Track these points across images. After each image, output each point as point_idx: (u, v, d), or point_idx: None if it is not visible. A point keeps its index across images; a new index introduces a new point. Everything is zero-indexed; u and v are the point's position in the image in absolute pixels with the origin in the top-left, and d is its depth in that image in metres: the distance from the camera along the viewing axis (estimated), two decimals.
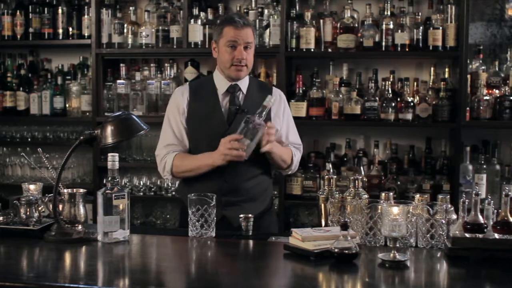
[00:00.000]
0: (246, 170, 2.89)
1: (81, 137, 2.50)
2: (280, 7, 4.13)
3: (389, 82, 4.11)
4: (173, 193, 4.33)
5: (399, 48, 4.01)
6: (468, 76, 4.00)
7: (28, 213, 2.54)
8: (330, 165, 4.10)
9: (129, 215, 2.46)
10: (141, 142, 4.41)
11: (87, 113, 4.47)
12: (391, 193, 2.48)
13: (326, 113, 4.15)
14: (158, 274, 2.16)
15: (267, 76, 4.31)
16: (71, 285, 1.95)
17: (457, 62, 4.00)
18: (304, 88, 4.18)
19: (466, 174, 3.95)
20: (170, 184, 4.34)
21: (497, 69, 4.07)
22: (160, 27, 4.30)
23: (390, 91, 4.06)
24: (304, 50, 4.11)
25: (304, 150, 4.27)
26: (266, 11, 4.21)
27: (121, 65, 4.43)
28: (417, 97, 4.10)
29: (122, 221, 2.41)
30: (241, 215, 2.63)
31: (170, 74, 4.40)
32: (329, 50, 4.13)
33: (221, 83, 2.94)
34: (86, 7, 4.45)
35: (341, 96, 4.13)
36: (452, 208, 2.39)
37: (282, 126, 3.00)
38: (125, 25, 4.38)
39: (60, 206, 2.50)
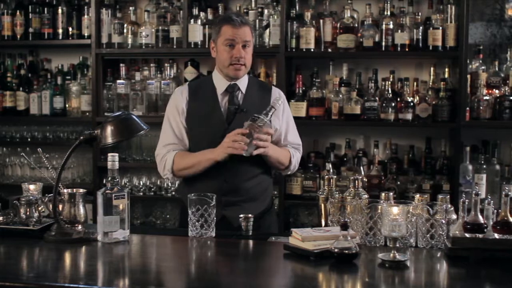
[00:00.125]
0: (246, 170, 2.89)
1: (81, 137, 2.50)
2: (280, 7, 4.13)
3: (389, 82, 4.11)
4: (173, 193, 4.33)
5: (399, 48, 4.01)
6: (468, 76, 4.00)
7: (28, 213, 2.54)
8: (330, 165, 4.10)
9: (129, 215, 2.46)
10: (141, 142, 4.41)
11: (87, 113, 4.47)
12: (391, 193, 2.48)
13: (326, 113, 4.15)
14: (158, 274, 2.16)
15: (267, 76, 4.31)
16: (71, 285, 1.95)
17: (457, 62, 4.00)
18: (304, 88, 4.18)
19: (466, 174, 3.95)
20: (170, 184, 4.34)
21: (497, 69, 4.07)
22: (160, 27, 4.30)
23: (390, 91, 4.07)
24: (304, 50, 4.11)
25: (304, 150, 4.28)
26: (266, 11, 4.21)
27: (121, 65, 4.43)
28: (417, 97, 4.10)
29: (122, 221, 2.41)
30: (241, 215, 2.63)
31: (170, 74, 4.40)
32: (329, 50, 4.13)
33: (220, 83, 2.94)
34: (86, 7, 4.45)
35: (341, 96, 4.13)
36: (452, 208, 2.39)
37: (281, 126, 3.00)
38: (125, 25, 4.38)
39: (60, 206, 2.50)
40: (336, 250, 2.16)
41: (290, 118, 3.08)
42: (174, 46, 4.29)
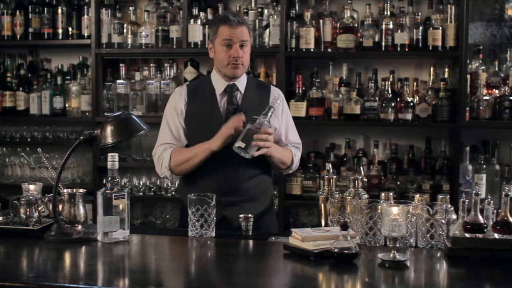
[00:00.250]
0: (246, 170, 2.88)
1: (81, 137, 2.50)
2: (279, 7, 4.13)
3: (389, 82, 4.12)
4: (173, 193, 4.33)
5: (398, 48, 4.01)
6: (468, 76, 4.00)
7: (28, 213, 2.54)
8: (330, 165, 4.10)
9: (129, 215, 2.46)
10: (140, 142, 4.41)
11: (87, 113, 4.46)
12: (391, 193, 2.48)
13: (326, 113, 4.15)
14: (158, 274, 2.16)
15: (267, 76, 4.31)
16: (71, 285, 1.95)
17: (456, 62, 4.01)
18: (303, 88, 4.18)
19: (465, 174, 3.95)
20: (169, 184, 4.34)
21: (496, 69, 4.07)
22: (160, 27, 4.30)
23: (389, 91, 4.07)
24: (304, 50, 4.11)
25: (304, 150, 4.28)
26: (265, 11, 4.21)
27: (121, 65, 4.43)
28: (417, 97, 4.10)
29: (122, 221, 2.41)
30: (241, 215, 2.63)
31: (169, 74, 4.40)
32: (329, 50, 4.13)
33: (218, 83, 2.94)
34: (85, 7, 4.45)
35: (340, 96, 4.13)
36: (452, 208, 2.39)
37: (281, 125, 2.99)
38: (125, 25, 4.38)
39: (60, 206, 2.50)
40: (336, 250, 2.16)
41: (290, 117, 3.08)
42: (174, 46, 4.29)
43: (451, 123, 4.01)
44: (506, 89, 4.00)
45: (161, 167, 2.93)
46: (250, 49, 2.95)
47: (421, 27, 4.04)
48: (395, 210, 2.21)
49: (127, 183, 4.36)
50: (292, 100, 4.11)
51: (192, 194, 2.52)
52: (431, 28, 3.99)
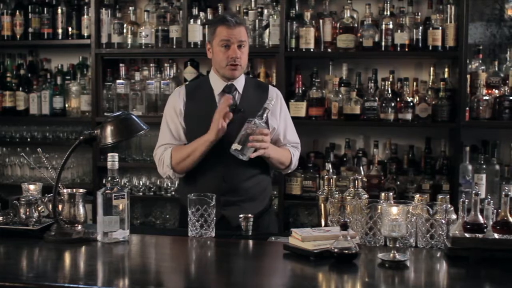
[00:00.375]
0: (245, 170, 2.88)
1: (81, 137, 2.50)
2: (279, 7, 4.13)
3: (389, 82, 4.12)
4: (173, 193, 4.33)
5: (398, 48, 4.01)
6: (468, 76, 4.00)
7: (27, 213, 2.54)
8: (330, 165, 4.10)
9: (129, 215, 2.46)
10: (140, 142, 4.41)
11: (87, 113, 4.46)
12: (391, 193, 2.48)
13: (326, 113, 4.15)
14: (157, 274, 2.16)
15: (267, 76, 4.31)
16: (71, 285, 1.95)
17: (456, 62, 4.01)
18: (303, 88, 4.18)
19: (465, 174, 3.95)
20: (169, 184, 4.34)
21: (496, 69, 4.07)
22: (160, 27, 4.30)
23: (389, 91, 4.07)
24: (304, 50, 4.11)
25: (304, 150, 4.29)
26: (265, 11, 4.21)
27: (121, 65, 4.43)
28: (417, 97, 4.10)
29: (122, 221, 2.41)
30: (241, 215, 2.64)
31: (169, 74, 4.40)
32: (329, 50, 4.13)
33: (217, 84, 2.94)
34: (85, 7, 4.45)
35: (340, 96, 4.13)
36: (452, 208, 2.39)
37: (279, 125, 3.00)
38: (125, 25, 4.38)
39: (60, 206, 2.50)
40: (336, 250, 2.16)
41: (288, 117, 3.08)
42: (174, 46, 4.29)
43: (451, 123, 4.01)
44: (506, 89, 4.00)
45: (162, 166, 2.94)
46: (248, 49, 2.96)
47: (421, 27, 4.04)
48: (395, 210, 2.21)
49: (127, 183, 4.36)
50: (292, 100, 4.11)
51: (192, 194, 2.52)
52: (431, 28, 3.99)
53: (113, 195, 2.39)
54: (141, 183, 4.40)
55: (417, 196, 2.46)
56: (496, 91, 4.03)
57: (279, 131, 2.99)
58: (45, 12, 4.53)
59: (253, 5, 4.26)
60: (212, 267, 2.27)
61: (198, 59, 4.38)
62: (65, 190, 2.50)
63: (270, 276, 2.12)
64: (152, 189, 4.41)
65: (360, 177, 2.56)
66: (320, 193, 2.60)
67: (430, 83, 4.15)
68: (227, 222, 2.82)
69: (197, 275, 2.17)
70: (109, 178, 2.43)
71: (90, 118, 4.41)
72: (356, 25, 4.14)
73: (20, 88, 4.60)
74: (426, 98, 4.06)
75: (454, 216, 2.37)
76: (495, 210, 2.28)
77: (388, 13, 4.08)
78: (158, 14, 4.35)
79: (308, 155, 4.25)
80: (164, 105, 3.08)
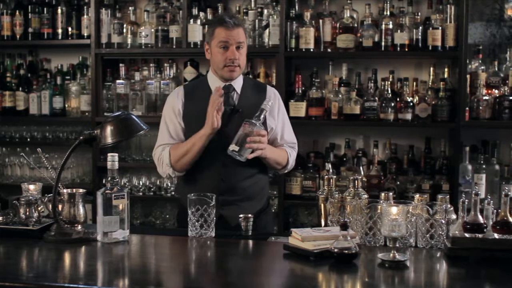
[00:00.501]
0: (243, 169, 2.90)
1: (81, 137, 2.50)
2: (279, 7, 4.13)
3: (389, 82, 4.12)
4: (173, 193, 4.33)
5: (398, 48, 4.01)
6: (468, 76, 4.00)
7: (27, 213, 2.54)
8: (330, 165, 4.10)
9: (129, 215, 2.46)
10: (140, 142, 4.41)
11: (87, 113, 4.46)
12: (391, 193, 2.48)
13: (326, 113, 4.15)
14: (157, 274, 2.16)
15: (267, 76, 4.30)
16: (71, 285, 1.95)
17: (456, 62, 4.01)
18: (303, 88, 4.18)
19: (465, 174, 3.95)
20: (169, 184, 4.34)
21: (496, 69, 4.07)
22: (160, 27, 4.30)
23: (389, 91, 4.07)
24: (304, 50, 4.11)
25: (304, 150, 4.30)
26: (265, 11, 4.21)
27: (121, 65, 4.43)
28: (417, 97, 4.10)
29: (122, 221, 2.42)
30: (241, 215, 2.64)
31: (169, 74, 4.40)
32: (329, 50, 4.13)
33: (215, 84, 2.95)
34: (85, 7, 4.45)
35: (340, 96, 4.13)
36: (452, 208, 2.39)
37: (277, 125, 3.01)
38: (125, 25, 4.38)
39: (60, 206, 2.50)
40: (335, 250, 2.16)
41: (286, 117, 3.09)
42: (174, 46, 4.29)
43: (451, 123, 4.01)
44: (506, 89, 4.00)
45: (162, 166, 2.94)
46: (247, 49, 2.97)
47: (420, 27, 4.04)
48: (394, 210, 2.21)
49: (127, 183, 4.36)
50: (292, 100, 4.11)
51: (192, 194, 2.52)
52: (430, 28, 3.99)
53: (113, 195, 2.39)
54: (141, 183, 4.40)
55: (417, 196, 2.46)
56: (496, 91, 4.03)
57: (276, 131, 3.01)
58: (45, 12, 4.53)
59: (253, 5, 4.26)
60: (212, 267, 2.27)
61: (198, 59, 4.38)
62: (65, 190, 2.50)
63: (270, 276, 2.12)
64: (152, 189, 4.41)
65: (360, 177, 2.56)
66: (320, 193, 2.60)
67: (430, 83, 4.15)
68: (225, 222, 2.83)
69: (197, 275, 2.17)
70: (109, 178, 2.43)
71: (90, 118, 4.41)
72: (356, 25, 4.14)
73: (20, 88, 4.60)
74: (426, 98, 4.06)
75: (454, 216, 2.37)
76: (495, 210, 2.28)
77: (388, 13, 4.08)
78: (158, 14, 4.35)
79: (308, 155, 4.25)
80: (164, 105, 3.09)
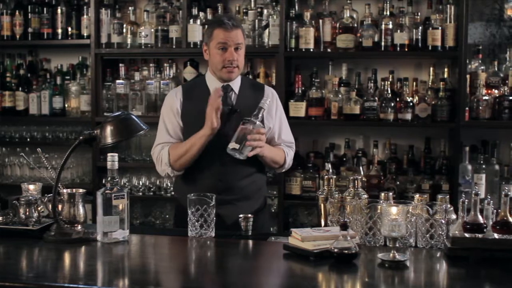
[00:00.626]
0: (240, 168, 2.91)
1: (81, 137, 2.50)
2: (279, 7, 4.13)
3: (388, 82, 4.12)
4: (172, 193, 4.32)
5: (398, 48, 4.01)
6: (467, 76, 4.00)
7: (27, 213, 2.53)
8: (330, 165, 4.10)
9: (129, 215, 2.46)
10: (140, 142, 4.41)
11: (86, 113, 4.46)
12: (391, 193, 2.48)
13: (325, 113, 4.15)
14: (157, 274, 2.16)
15: (266, 76, 4.30)
16: (71, 285, 1.95)
17: (456, 62, 4.01)
18: (303, 88, 4.18)
19: (465, 174, 3.95)
20: (169, 184, 4.33)
21: (496, 69, 4.07)
22: (159, 27, 4.30)
23: (389, 91, 4.07)
24: (303, 50, 4.11)
25: (303, 150, 4.31)
26: (265, 11, 4.21)
27: (120, 65, 4.43)
28: (416, 97, 4.10)
29: (122, 221, 2.42)
30: (241, 215, 2.64)
31: (169, 74, 4.40)
32: (328, 50, 4.13)
33: (213, 84, 2.97)
34: (85, 7, 4.45)
35: (340, 96, 4.13)
36: (452, 208, 2.39)
37: (274, 124, 3.03)
38: (124, 25, 4.38)
39: (60, 206, 2.50)
40: (335, 250, 2.16)
41: (283, 117, 3.11)
42: (174, 46, 4.29)
43: (451, 123, 4.01)
44: (506, 89, 4.00)
45: (161, 164, 2.95)
46: (246, 50, 2.99)
47: (420, 27, 4.04)
48: (394, 210, 2.21)
49: (127, 183, 4.36)
50: (292, 100, 4.11)
51: (192, 194, 2.52)
52: (430, 28, 3.99)
53: (113, 195, 2.39)
54: (140, 183, 4.40)
55: (416, 196, 2.46)
56: (496, 91, 4.03)
57: (274, 130, 3.02)
58: (45, 12, 4.53)
59: (252, 5, 4.25)
60: (212, 267, 2.27)
61: (198, 59, 4.38)
62: (64, 190, 2.50)
63: (270, 276, 2.12)
64: (152, 189, 4.41)
65: (359, 177, 2.56)
66: (320, 193, 2.61)
67: (430, 83, 4.15)
68: (222, 221, 2.83)
69: (196, 275, 2.17)
70: (109, 178, 2.43)
71: (89, 118, 4.41)
72: (355, 25, 4.14)
73: (20, 88, 4.60)
74: (426, 98, 4.06)
75: (453, 216, 2.37)
76: (495, 210, 2.28)
77: (388, 13, 4.08)
78: (158, 14, 4.35)
79: (308, 155, 4.25)
80: (162, 105, 3.10)
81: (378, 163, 4.10)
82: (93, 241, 2.42)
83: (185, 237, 2.51)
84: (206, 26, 3.03)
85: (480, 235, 2.21)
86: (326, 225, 2.53)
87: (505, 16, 4.18)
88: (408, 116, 4.02)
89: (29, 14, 4.54)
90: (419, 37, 4.04)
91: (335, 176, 2.68)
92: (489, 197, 2.38)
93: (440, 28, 3.97)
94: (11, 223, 2.56)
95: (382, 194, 2.47)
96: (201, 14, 4.27)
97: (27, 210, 2.54)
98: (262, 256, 2.44)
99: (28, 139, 4.64)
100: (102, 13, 4.38)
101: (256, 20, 4.20)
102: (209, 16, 4.25)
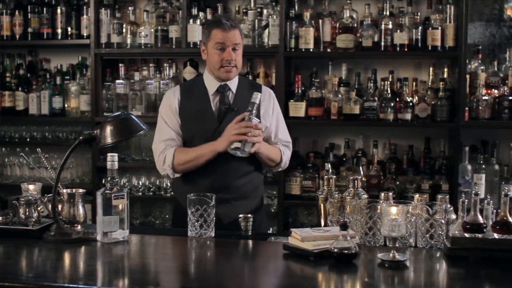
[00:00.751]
0: (237, 167, 2.93)
1: (80, 137, 2.50)
2: (279, 7, 4.13)
3: (388, 82, 4.12)
4: (172, 193, 4.32)
5: (398, 48, 4.01)
6: (467, 76, 4.00)
7: (27, 213, 2.53)
8: (329, 165, 4.10)
9: (128, 215, 2.46)
10: (140, 142, 4.41)
11: (86, 113, 4.46)
12: (390, 193, 2.49)
13: (325, 113, 4.15)
14: (157, 274, 2.16)
15: (266, 76, 4.30)
16: (71, 285, 1.95)
17: (456, 62, 4.01)
18: (303, 88, 4.18)
19: (465, 174, 3.95)
20: (169, 184, 4.33)
21: (496, 69, 4.07)
22: (159, 27, 4.30)
23: (389, 91, 4.07)
24: (303, 50, 4.11)
25: (303, 150, 4.31)
26: (265, 11, 4.21)
27: (120, 65, 4.43)
28: (416, 97, 4.10)
29: (122, 221, 2.42)
30: (241, 215, 2.64)
31: (169, 74, 4.40)
32: (328, 50, 4.13)
33: (211, 84, 2.99)
34: (85, 7, 4.45)
35: (340, 96, 4.13)
36: (452, 208, 2.39)
37: (271, 124, 3.04)
38: (124, 25, 4.38)
39: (59, 206, 2.50)
40: (335, 250, 2.16)
41: (280, 116, 3.13)
42: (173, 46, 4.29)
43: (450, 123, 4.01)
44: (505, 89, 4.00)
45: (163, 164, 2.95)
46: (243, 50, 3.01)
47: (420, 27, 4.04)
48: (394, 210, 2.21)
49: (127, 183, 4.36)
50: (292, 100, 4.11)
51: (192, 194, 2.52)
52: (430, 28, 3.99)
53: (113, 195, 2.39)
54: (140, 183, 4.40)
55: (416, 196, 2.46)
56: (496, 91, 4.03)
57: (271, 129, 3.04)
58: (45, 12, 4.52)
59: (252, 5, 4.25)
60: (212, 267, 2.27)
61: (198, 59, 4.37)
62: (64, 190, 2.50)
63: (270, 276, 2.12)
64: (152, 189, 4.41)
65: (359, 177, 2.56)
66: (320, 193, 2.61)
67: (430, 83, 4.15)
68: (218, 220, 2.82)
69: (196, 275, 2.17)
70: (109, 178, 2.43)
71: (89, 118, 4.41)
72: (355, 25, 4.14)
73: (20, 88, 4.60)
74: (426, 98, 4.06)
75: (453, 216, 2.37)
76: (495, 210, 2.28)
77: (388, 13, 4.08)
78: (158, 14, 4.35)
79: (308, 155, 4.25)
80: (160, 104, 3.12)
81: (378, 163, 4.10)
82: (93, 241, 2.42)
83: (185, 237, 2.51)
84: (205, 27, 3.04)
85: (480, 235, 2.21)
86: (326, 225, 2.53)
87: (505, 16, 4.18)
88: (408, 116, 4.02)
89: (29, 14, 4.54)
90: (419, 37, 4.04)
91: (335, 176, 2.68)
92: (489, 197, 2.38)
93: (440, 28, 3.97)
94: (11, 223, 2.56)
95: (382, 194, 2.47)
96: (201, 14, 4.27)
97: (27, 210, 2.54)
98: (262, 256, 2.44)
99: (28, 139, 4.64)
100: (101, 13, 4.38)
101: (256, 20, 4.20)
102: (209, 16, 4.25)
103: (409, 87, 4.17)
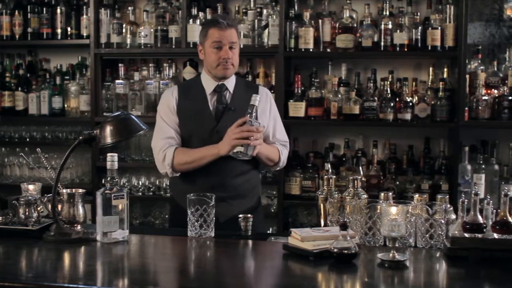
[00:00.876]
0: (234, 167, 2.94)
1: (80, 137, 2.50)
2: (279, 7, 4.13)
3: (388, 82, 4.12)
4: (172, 193, 4.32)
5: (397, 48, 4.01)
6: (467, 76, 4.00)
7: (27, 213, 2.53)
8: (329, 165, 4.10)
9: (128, 215, 2.46)
10: (139, 142, 4.41)
11: (86, 113, 4.46)
12: (390, 193, 2.48)
13: (325, 113, 4.15)
14: (157, 274, 2.16)
15: (266, 76, 4.30)
16: (70, 285, 1.95)
17: (455, 62, 4.01)
18: (302, 88, 4.18)
19: (464, 174, 3.95)
20: (168, 183, 4.33)
21: (495, 69, 4.07)
22: (159, 27, 4.30)
23: (389, 91, 4.07)
24: (303, 50, 4.11)
25: (303, 150, 4.31)
26: (265, 11, 4.21)
27: (120, 65, 4.43)
28: (416, 97, 4.10)
29: (121, 221, 2.42)
30: (240, 215, 2.65)
31: (168, 74, 4.40)
32: (328, 50, 4.13)
33: (208, 83, 3.01)
34: (84, 7, 4.44)
35: (339, 96, 4.13)
36: (451, 208, 2.39)
37: (268, 124, 3.06)
38: (124, 25, 4.38)
39: (59, 206, 2.50)
40: (335, 250, 2.16)
41: (277, 116, 3.14)
42: (173, 46, 4.29)
43: (450, 123, 4.01)
44: (505, 89, 4.00)
45: (163, 162, 2.95)
46: (240, 50, 3.03)
47: (420, 27, 4.04)
48: (394, 210, 2.21)
49: (126, 183, 4.36)
50: (291, 100, 4.11)
51: (192, 194, 2.53)
52: (430, 28, 3.99)
53: (113, 195, 2.39)
54: (140, 183, 4.40)
55: (416, 196, 2.46)
56: (495, 91, 4.03)
57: (268, 129, 3.06)
58: (44, 12, 4.52)
59: (252, 5, 4.25)
60: (212, 267, 2.27)
61: (197, 59, 4.35)
62: (64, 190, 2.50)
63: (270, 276, 2.12)
64: (151, 189, 4.41)
65: (359, 177, 2.56)
66: (320, 193, 2.61)
67: (429, 83, 4.15)
68: (215, 219, 2.83)
69: (196, 275, 2.17)
70: (109, 178, 2.43)
71: (89, 118, 4.41)
72: (355, 25, 4.14)
73: (19, 88, 4.60)
74: (425, 98, 4.06)
75: (453, 216, 2.37)
76: (495, 210, 2.28)
77: (387, 13, 4.08)
78: (157, 14, 4.35)
79: (307, 155, 4.25)
80: (159, 104, 3.13)
81: (377, 163, 4.10)
82: (93, 241, 2.42)
83: (185, 237, 2.51)
84: (202, 27, 3.05)
85: (479, 235, 2.21)
86: (325, 225, 2.53)
87: (504, 16, 4.18)
88: (408, 116, 4.02)
89: (29, 14, 4.54)
90: (419, 37, 4.04)
91: (334, 176, 2.68)
92: (488, 197, 2.38)
93: (439, 28, 3.97)
94: (11, 223, 2.56)
95: (382, 194, 2.47)
96: (201, 14, 4.27)
97: (27, 210, 2.54)
98: (262, 256, 2.44)
99: (28, 139, 4.64)
100: (101, 13, 4.38)
101: (256, 20, 4.20)
102: (209, 16, 4.24)
103: (409, 87, 4.17)
